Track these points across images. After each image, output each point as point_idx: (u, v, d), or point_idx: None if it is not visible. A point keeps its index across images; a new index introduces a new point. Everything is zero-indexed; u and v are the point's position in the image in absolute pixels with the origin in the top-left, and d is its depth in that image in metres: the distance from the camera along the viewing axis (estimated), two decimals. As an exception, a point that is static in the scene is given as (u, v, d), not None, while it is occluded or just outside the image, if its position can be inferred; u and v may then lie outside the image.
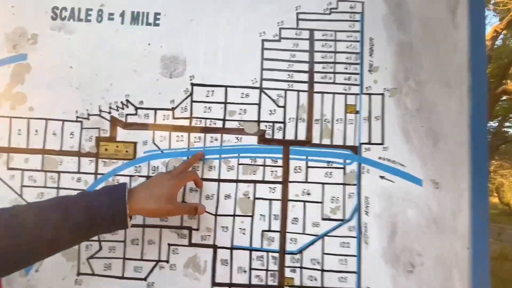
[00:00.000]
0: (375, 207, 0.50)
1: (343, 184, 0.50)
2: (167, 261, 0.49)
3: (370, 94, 0.51)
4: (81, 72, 0.52)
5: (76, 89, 0.52)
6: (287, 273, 0.49)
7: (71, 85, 0.52)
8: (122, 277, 0.50)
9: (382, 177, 0.50)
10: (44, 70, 0.52)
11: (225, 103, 0.51)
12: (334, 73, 0.52)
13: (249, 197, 0.50)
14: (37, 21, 0.53)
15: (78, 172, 0.51)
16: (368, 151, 0.51)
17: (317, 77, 0.52)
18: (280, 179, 0.50)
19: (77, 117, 0.51)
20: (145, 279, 0.49)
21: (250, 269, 0.49)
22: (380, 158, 0.50)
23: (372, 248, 0.49)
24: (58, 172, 0.51)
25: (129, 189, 0.42)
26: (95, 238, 0.50)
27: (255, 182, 0.50)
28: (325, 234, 0.49)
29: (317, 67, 0.52)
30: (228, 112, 0.51)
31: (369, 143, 0.51)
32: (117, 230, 0.43)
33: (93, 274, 0.50)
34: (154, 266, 0.50)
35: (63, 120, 0.51)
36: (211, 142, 0.51)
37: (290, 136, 0.51)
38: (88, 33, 0.52)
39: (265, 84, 0.52)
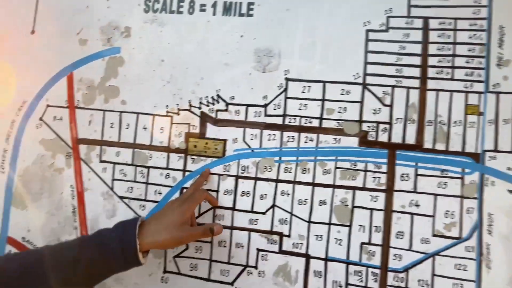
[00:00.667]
0: (501, 227, 0.42)
1: (461, 197, 0.43)
2: (255, 267, 0.47)
3: (498, 93, 0.43)
4: (172, 66, 0.50)
5: (167, 83, 0.51)
6: (390, 292, 0.44)
7: (162, 79, 0.51)
8: (208, 279, 0.48)
9: (511, 191, 0.43)
10: (136, 63, 0.52)
11: (323, 100, 0.47)
12: (453, 67, 0.45)
13: (347, 205, 0.46)
14: (130, 14, 0.52)
15: (167, 168, 0.50)
16: (493, 159, 0.43)
17: (431, 72, 0.45)
18: (384, 187, 0.45)
19: (167, 111, 0.50)
20: (232, 283, 0.47)
21: (347, 284, 0.44)
22: (509, 168, 0.43)
23: (496, 274, 0.42)
24: (148, 167, 0.51)
25: (141, 223, 0.40)
26: (182, 236, 0.50)
27: (354, 188, 0.45)
28: (437, 253, 0.43)
29: (432, 61, 0.45)
30: (326, 110, 0.47)
31: (495, 150, 0.43)
32: (132, 267, 0.40)
33: (179, 273, 0.49)
34: (242, 271, 0.47)
35: (154, 115, 0.51)
36: (306, 142, 0.47)
37: (397, 139, 0.45)
38: (179, 25, 0.51)
39: (369, 79, 0.46)
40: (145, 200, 0.50)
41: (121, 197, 0.51)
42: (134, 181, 0.51)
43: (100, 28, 0.53)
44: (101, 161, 0.52)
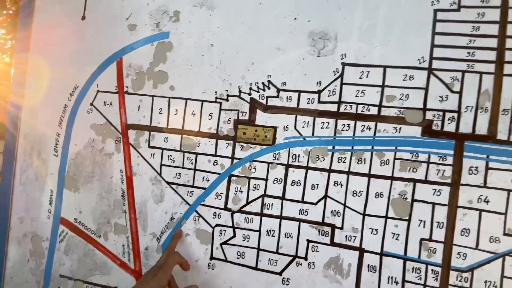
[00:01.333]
0: None
1: (539, 193, 0.40)
2: (305, 258, 0.46)
3: None
4: (221, 50, 0.49)
5: (216, 68, 0.50)
6: (453, 292, 0.41)
7: (211, 64, 0.50)
8: (256, 268, 0.48)
9: None
10: (185, 48, 0.51)
11: (383, 86, 0.44)
12: (536, 50, 0.41)
13: (406, 198, 0.43)
14: (179, -3, 0.52)
15: (215, 155, 0.50)
16: None
17: (509, 56, 0.41)
18: (449, 181, 0.42)
19: (216, 97, 0.50)
20: (280, 273, 0.47)
21: (404, 281, 0.42)
22: None
23: None
24: (196, 154, 0.51)
25: None
26: (229, 224, 0.49)
27: (415, 181, 0.42)
28: (508, 253, 0.40)
29: (510, 43, 0.41)
30: (385, 97, 0.44)
31: None
32: None
33: (226, 261, 0.49)
34: (291, 262, 0.46)
35: (202, 101, 0.50)
36: (363, 131, 0.45)
37: (466, 129, 0.41)
38: (229, 8, 0.50)
39: (436, 64, 0.42)
40: (192, 186, 0.50)
41: (169, 183, 0.51)
42: (182, 167, 0.51)
43: (149, 13, 0.53)
44: (150, 147, 0.52)
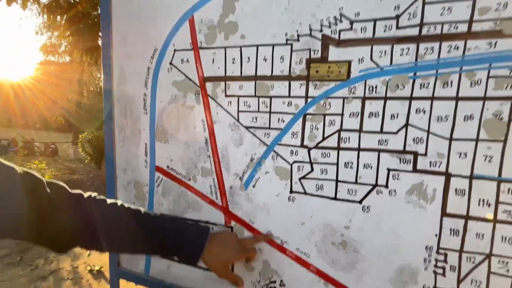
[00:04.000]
0: None
1: None
2: (386, 186, 0.48)
3: None
4: (289, -9, 0.51)
5: (285, 9, 0.50)
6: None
7: (279, 7, 0.51)
8: (335, 198, 0.51)
9: None
10: (252, -5, 0.53)
11: (474, -2, 0.41)
12: None
13: (501, 118, 0.40)
14: None
15: (289, 97, 0.52)
16: None
17: None
18: (557, 94, 0.39)
19: (287, 39, 0.51)
20: (360, 202, 0.49)
21: (497, 202, 0.42)
22: None
23: None
24: (270, 97, 0.54)
25: (209, 239, 0.49)
26: (306, 160, 0.52)
27: (512, 99, 0.40)
28: None
29: None
30: (478, 10, 0.40)
31: None
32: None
33: (305, 193, 0.54)
34: (371, 190, 0.48)
35: (273, 45, 0.52)
36: (449, 52, 0.42)
37: None
38: None
39: (544, -39, 0.38)
40: (269, 128, 0.54)
41: (246, 127, 0.56)
42: (258, 111, 0.55)
43: (214, -35, 0.55)
44: (227, 96, 0.57)
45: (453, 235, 0.44)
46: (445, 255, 0.45)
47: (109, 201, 0.47)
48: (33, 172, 0.41)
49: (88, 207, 0.44)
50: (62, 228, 0.41)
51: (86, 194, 0.46)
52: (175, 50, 0.60)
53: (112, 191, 0.73)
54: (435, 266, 0.45)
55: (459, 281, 0.44)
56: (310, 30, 0.49)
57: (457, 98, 0.42)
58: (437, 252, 0.45)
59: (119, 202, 0.48)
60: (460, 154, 0.43)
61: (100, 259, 2.32)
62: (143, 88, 0.65)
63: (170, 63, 0.61)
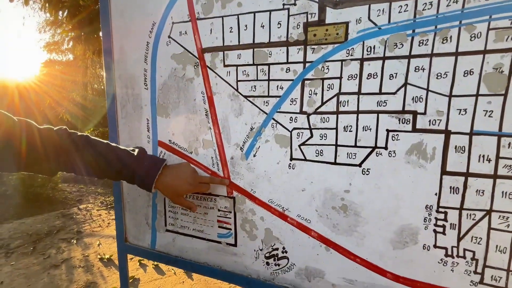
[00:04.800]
0: None
1: None
2: (385, 148, 0.48)
3: None
4: (285, -47, 0.50)
5: (281, -27, 0.51)
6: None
7: (275, -29, 0.51)
8: (335, 163, 0.52)
9: None
10: (248, -39, 0.53)
11: None
12: None
13: (502, 71, 0.40)
14: None
15: (287, 63, 0.52)
16: None
17: None
18: (559, 42, 0.38)
19: (284, 4, 0.51)
20: (359, 165, 0.50)
21: (498, 157, 0.42)
22: None
23: None
24: (268, 65, 0.54)
25: (161, 172, 0.57)
26: (306, 126, 0.52)
27: (513, 50, 0.40)
28: None
29: None
30: (477, -40, 0.40)
31: None
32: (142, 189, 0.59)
33: (305, 160, 0.54)
34: (370, 153, 0.49)
35: (270, 11, 0.52)
36: (448, 6, 0.41)
37: None
38: None
39: None
40: (268, 96, 0.54)
41: (245, 96, 0.56)
42: (257, 80, 0.55)
43: None
44: (225, 66, 0.57)
45: (453, 193, 0.44)
46: (445, 213, 0.45)
47: (84, 134, 0.56)
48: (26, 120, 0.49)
49: (65, 139, 0.53)
50: (47, 157, 0.51)
51: (60, 128, 0.54)
52: (173, 23, 0.61)
53: (116, 169, 0.75)
54: (435, 225, 0.46)
55: (459, 239, 0.45)
56: (307, -8, 0.49)
57: (456, 54, 0.42)
58: (437, 211, 0.45)
59: (93, 137, 0.57)
60: (460, 111, 0.42)
61: (110, 248, 2.38)
62: (143, 64, 0.65)
63: (169, 37, 0.61)
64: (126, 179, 0.57)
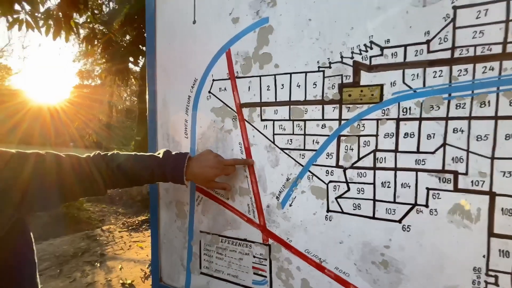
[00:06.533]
0: None
1: None
2: (425, 205, 0.48)
3: None
4: (319, 22, 0.54)
5: (316, 40, 0.54)
6: None
7: (310, 37, 0.55)
8: (373, 217, 0.52)
9: None
10: (284, 28, 0.57)
11: (507, 21, 0.42)
12: None
13: (546, 136, 0.41)
14: (274, -17, 0.58)
15: (323, 119, 0.55)
16: None
17: None
18: None
19: (319, 67, 0.54)
20: (399, 221, 0.50)
21: None
22: None
23: None
24: (304, 121, 0.57)
25: (187, 164, 0.60)
26: (342, 179, 0.54)
27: (557, 117, 0.40)
28: None
29: None
30: (511, 31, 0.42)
31: None
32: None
33: (343, 212, 0.55)
34: (410, 210, 0.49)
35: (306, 72, 0.56)
36: (484, 73, 0.43)
37: None
38: (323, -18, 0.54)
39: None
40: (304, 149, 0.57)
41: (282, 149, 0.59)
42: (293, 134, 0.58)
43: (248, 4, 0.61)
44: (262, 120, 0.61)
45: (503, 256, 0.43)
46: (496, 277, 0.43)
47: (114, 152, 0.63)
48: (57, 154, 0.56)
49: (105, 161, 0.60)
50: (95, 178, 0.57)
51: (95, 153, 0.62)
52: (213, 80, 0.66)
53: (155, 209, 0.79)
54: (485, 288, 0.44)
55: (513, 305, 0.43)
56: (341, 57, 0.52)
57: (496, 117, 0.42)
58: (487, 274, 0.44)
59: (122, 152, 0.64)
60: (504, 173, 0.42)
61: (131, 273, 2.41)
62: (184, 115, 0.71)
63: (209, 92, 0.67)
64: (160, 179, 0.62)
